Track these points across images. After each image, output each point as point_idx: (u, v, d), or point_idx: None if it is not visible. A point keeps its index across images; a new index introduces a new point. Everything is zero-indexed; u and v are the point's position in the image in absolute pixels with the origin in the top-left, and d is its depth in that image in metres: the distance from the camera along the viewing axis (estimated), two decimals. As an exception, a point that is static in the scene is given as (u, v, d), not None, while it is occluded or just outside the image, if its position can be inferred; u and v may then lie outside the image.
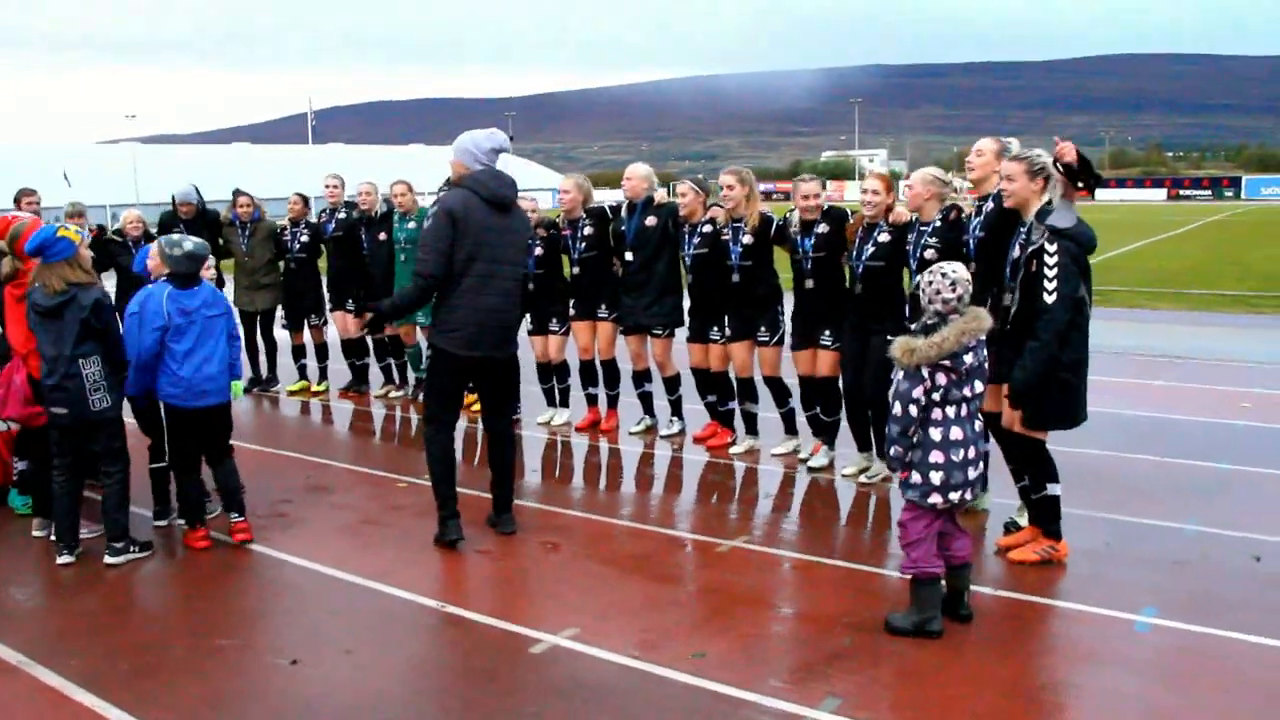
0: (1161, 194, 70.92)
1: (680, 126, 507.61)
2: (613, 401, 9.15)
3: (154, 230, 10.69)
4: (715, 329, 8.16)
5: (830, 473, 7.60)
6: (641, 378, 8.86)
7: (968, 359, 4.80)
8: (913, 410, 4.81)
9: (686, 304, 8.41)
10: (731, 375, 8.30)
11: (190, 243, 6.31)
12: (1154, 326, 14.93)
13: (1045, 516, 5.83)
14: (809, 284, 7.46)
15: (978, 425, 4.97)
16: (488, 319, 6.10)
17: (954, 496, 4.87)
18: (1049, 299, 5.38)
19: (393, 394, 10.75)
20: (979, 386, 4.91)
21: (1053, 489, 5.75)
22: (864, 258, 7.01)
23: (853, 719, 4.16)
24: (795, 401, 8.02)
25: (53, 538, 6.33)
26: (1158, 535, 6.25)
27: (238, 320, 6.95)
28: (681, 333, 8.51)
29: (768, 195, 65.48)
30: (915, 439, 4.87)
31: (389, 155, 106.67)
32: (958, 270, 4.89)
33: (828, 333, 7.43)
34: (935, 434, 4.85)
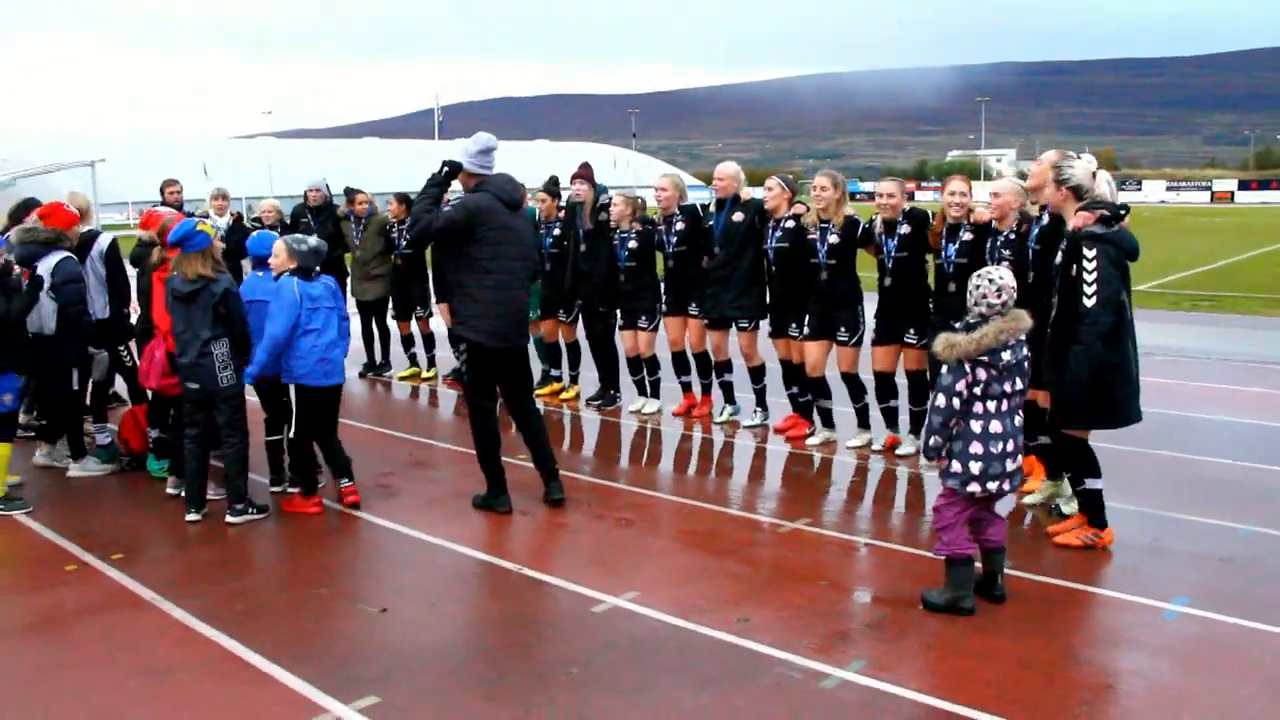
0: (1313, 196, 67.97)
1: (806, 125, 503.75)
2: (706, 389, 9.67)
3: (287, 220, 11.61)
4: (794, 325, 8.57)
5: (913, 464, 7.97)
6: (723, 368, 9.33)
7: (1006, 355, 5.15)
8: (955, 403, 5.18)
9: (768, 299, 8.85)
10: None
11: (314, 240, 7.08)
12: (1260, 334, 14.74)
13: (1089, 507, 6.15)
14: (890, 282, 7.88)
15: (1018, 420, 5.31)
16: (510, 311, 6.78)
17: (991, 486, 5.22)
18: (1089, 302, 5.68)
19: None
20: (1019, 384, 5.26)
21: (1092, 483, 6.06)
22: (952, 255, 7.41)
23: (874, 679, 4.58)
24: (870, 398, 8.40)
25: (184, 496, 7.07)
26: (1212, 534, 6.45)
27: (347, 308, 7.60)
28: (765, 326, 8.95)
29: (910, 196, 64.63)
30: (956, 430, 5.25)
31: (514, 151, 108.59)
32: (1004, 277, 5.24)
33: (913, 330, 7.82)
34: (975, 426, 5.22)
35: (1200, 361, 12.34)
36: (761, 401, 9.30)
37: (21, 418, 7.97)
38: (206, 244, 6.79)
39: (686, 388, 9.74)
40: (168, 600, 5.56)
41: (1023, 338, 5.23)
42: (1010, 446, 5.22)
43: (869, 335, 8.26)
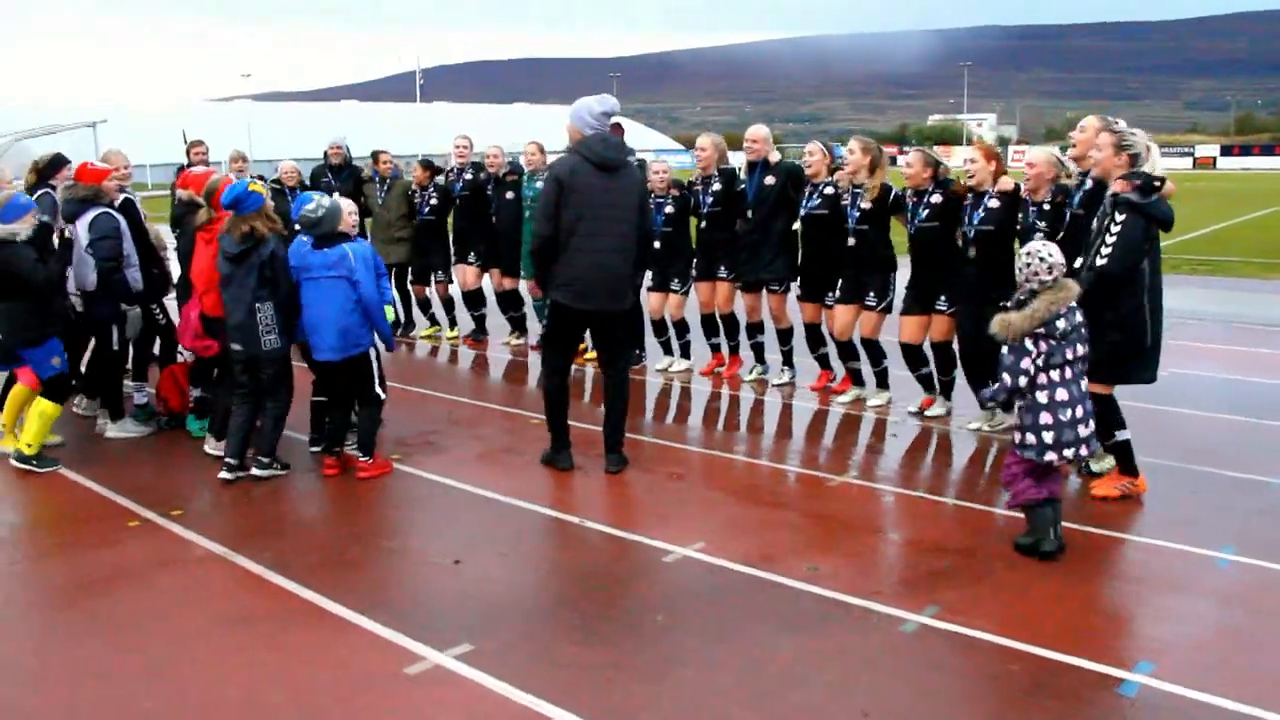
0: (1292, 160, 68.42)
1: (785, 88, 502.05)
2: (734, 350, 9.77)
3: (306, 181, 11.58)
4: (829, 293, 8.64)
5: (945, 423, 8.09)
6: (754, 330, 9.44)
7: (1060, 324, 5.28)
8: (1021, 381, 5.32)
9: (800, 262, 8.94)
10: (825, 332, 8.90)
11: (327, 202, 6.86)
12: (1263, 296, 14.94)
13: (1121, 457, 6.37)
14: (918, 251, 7.92)
15: (1084, 385, 5.45)
16: (598, 274, 6.67)
17: (1068, 453, 5.37)
18: (1101, 262, 5.89)
19: (514, 341, 11.49)
20: (1080, 349, 5.39)
21: (1121, 434, 6.27)
22: (976, 223, 7.42)
23: (950, 623, 4.72)
24: (889, 361, 8.56)
25: (223, 454, 7.08)
26: (1243, 488, 6.62)
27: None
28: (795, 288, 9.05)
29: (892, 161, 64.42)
30: (1024, 404, 5.38)
31: (494, 114, 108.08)
32: (1054, 253, 5.36)
33: (943, 298, 7.86)
34: (1042, 397, 5.35)
35: (1206, 323, 12.51)
36: (789, 361, 9.42)
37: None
38: (260, 204, 6.80)
39: (715, 349, 9.84)
40: (238, 554, 5.63)
41: (1074, 304, 5.35)
42: (1080, 412, 5.36)
43: (899, 305, 8.29)
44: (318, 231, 6.75)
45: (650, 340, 10.13)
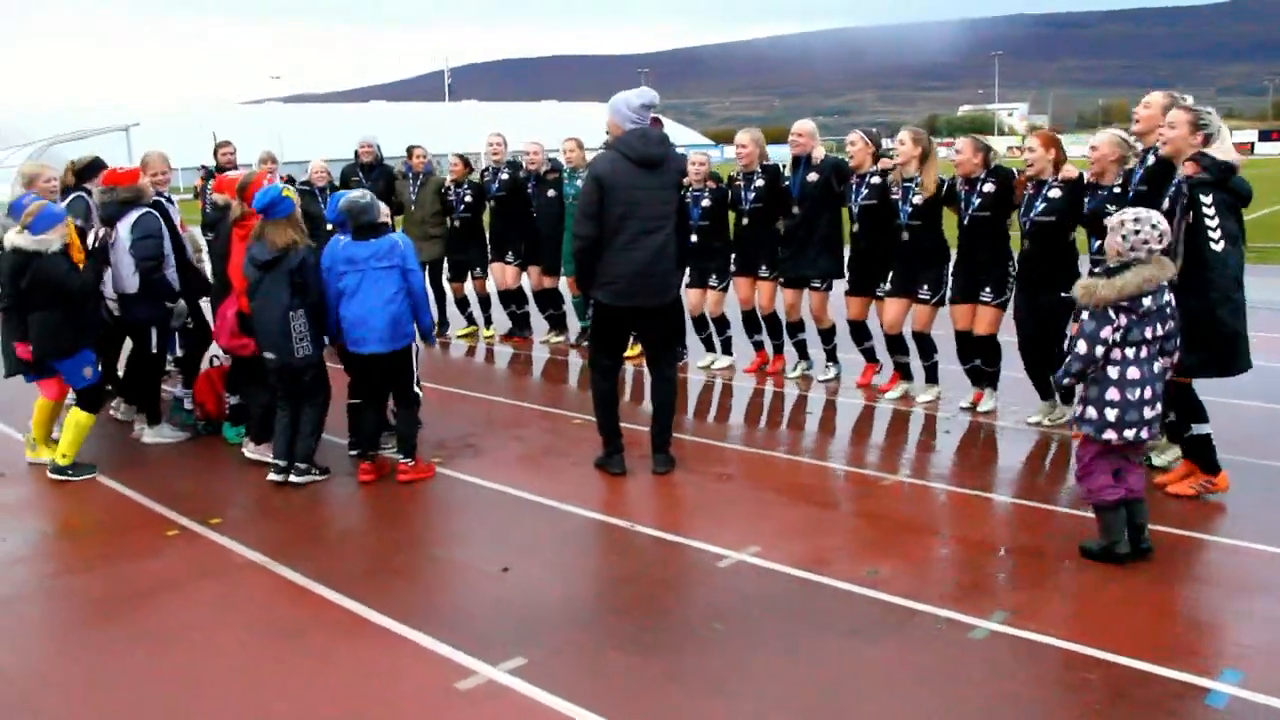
0: (1334, 146, 67.06)
1: (814, 81, 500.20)
2: (777, 348, 9.56)
3: (336, 182, 11.47)
4: (881, 286, 8.43)
5: (993, 418, 7.85)
6: (795, 328, 9.25)
7: (1146, 301, 5.00)
8: (1098, 350, 5.02)
9: (847, 256, 8.73)
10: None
11: (360, 197, 6.80)
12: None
13: (1198, 454, 6.05)
14: (969, 241, 7.65)
15: (1157, 367, 5.15)
16: (641, 271, 6.48)
17: (1129, 434, 5.09)
18: (1216, 247, 5.53)
19: (553, 339, 11.34)
20: (1160, 329, 5.09)
21: (1199, 428, 5.96)
22: (1034, 213, 7.16)
23: (1020, 629, 4.51)
24: (939, 355, 8.31)
25: (269, 460, 6.99)
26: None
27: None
28: (839, 285, 8.84)
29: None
30: (1093, 376, 5.10)
31: (523, 112, 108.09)
32: (1162, 223, 5.06)
33: (989, 289, 7.60)
34: (1113, 372, 5.07)
35: (1259, 311, 12.14)
36: (833, 357, 9.21)
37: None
38: (291, 210, 6.70)
39: (759, 346, 9.65)
40: (280, 563, 5.50)
41: (1165, 284, 5.09)
42: (1149, 394, 5.09)
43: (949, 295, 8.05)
44: (365, 219, 6.64)
45: (691, 337, 9.94)
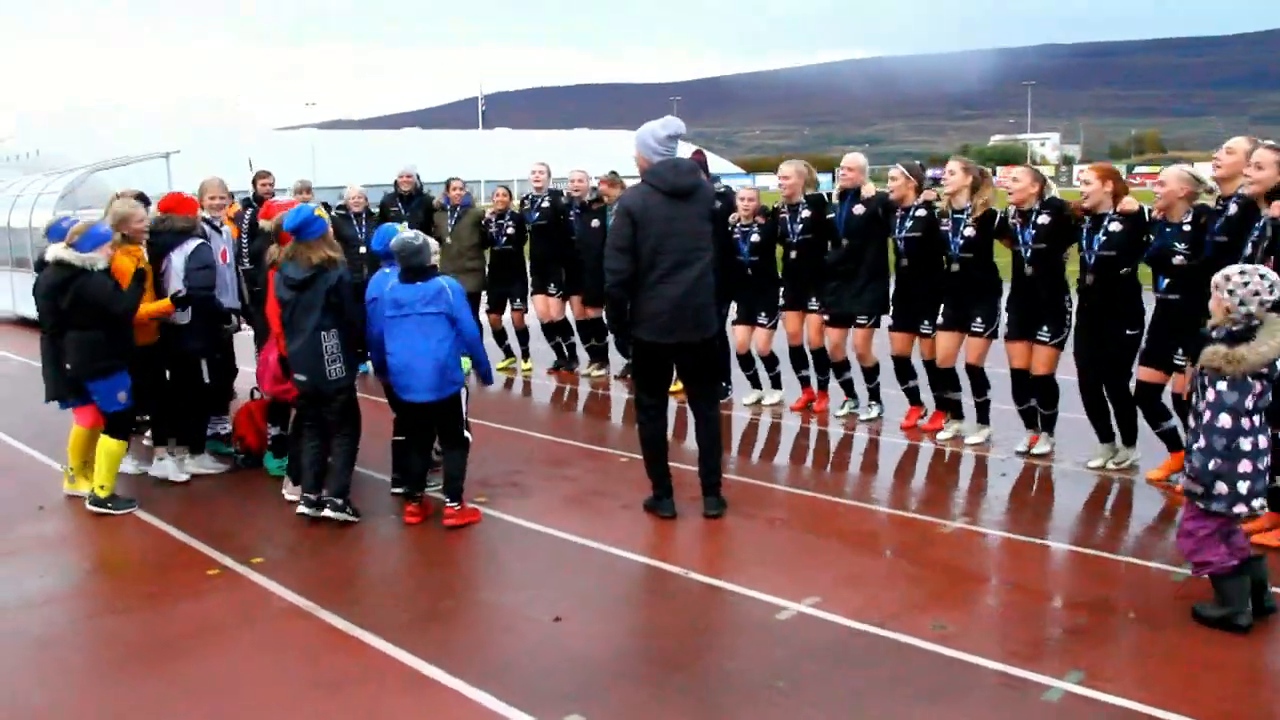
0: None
1: (845, 110, 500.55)
2: (823, 385, 9.38)
3: (374, 209, 11.43)
4: (926, 321, 8.26)
5: (1049, 460, 7.64)
6: (842, 367, 9.06)
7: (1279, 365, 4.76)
8: (1244, 423, 4.74)
9: (893, 291, 8.55)
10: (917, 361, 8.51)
11: (411, 237, 6.65)
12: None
13: None
14: (1028, 273, 7.41)
15: (1270, 431, 4.91)
16: (679, 305, 6.31)
17: (1256, 504, 4.84)
18: None
19: (595, 372, 11.21)
20: (1270, 394, 4.83)
21: None
22: (1095, 248, 6.96)
23: (1098, 691, 4.30)
24: (992, 393, 8.11)
25: (298, 495, 6.85)
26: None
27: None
28: (885, 320, 8.67)
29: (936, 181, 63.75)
30: (1220, 451, 4.76)
31: (555, 140, 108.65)
32: (1271, 272, 4.83)
33: (1046, 328, 7.38)
34: (1245, 444, 4.77)
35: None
36: (876, 396, 9.03)
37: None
38: (324, 230, 6.61)
39: (805, 382, 9.47)
40: (323, 608, 5.35)
41: None
42: (1268, 461, 4.84)
43: (1002, 330, 7.84)
44: (416, 261, 6.49)
45: (736, 373, 9.77)
